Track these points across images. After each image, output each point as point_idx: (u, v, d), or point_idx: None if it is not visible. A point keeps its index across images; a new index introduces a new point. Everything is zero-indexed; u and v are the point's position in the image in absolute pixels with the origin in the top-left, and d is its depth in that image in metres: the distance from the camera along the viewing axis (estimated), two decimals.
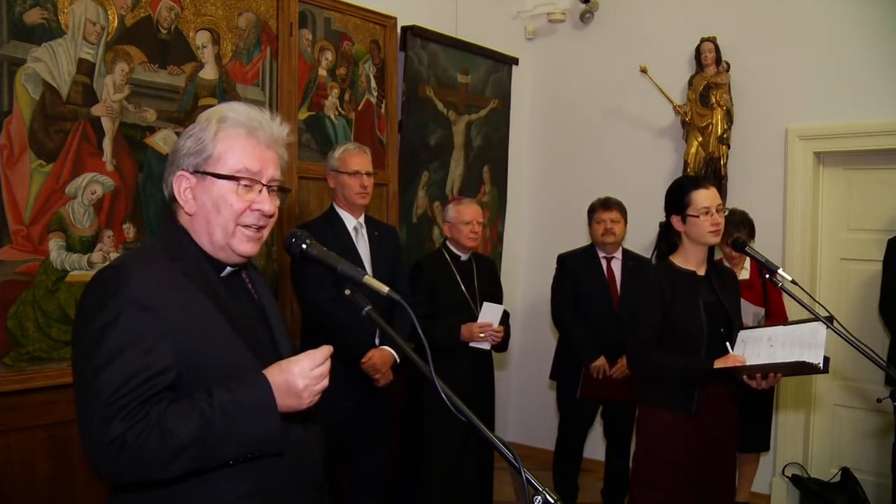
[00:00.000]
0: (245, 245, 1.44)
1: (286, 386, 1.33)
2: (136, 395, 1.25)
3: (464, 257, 3.64)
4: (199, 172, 1.41)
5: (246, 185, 1.41)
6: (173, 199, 1.45)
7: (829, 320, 2.39)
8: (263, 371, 1.34)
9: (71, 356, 1.36)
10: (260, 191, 1.43)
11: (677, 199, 2.63)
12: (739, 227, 3.68)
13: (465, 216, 3.56)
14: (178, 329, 1.32)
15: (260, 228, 1.45)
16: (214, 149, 1.41)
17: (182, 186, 1.43)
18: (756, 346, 2.52)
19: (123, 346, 1.27)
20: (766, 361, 2.44)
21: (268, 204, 1.44)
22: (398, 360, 3.09)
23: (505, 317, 3.60)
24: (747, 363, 2.46)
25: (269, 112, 1.49)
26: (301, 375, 1.34)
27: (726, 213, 2.67)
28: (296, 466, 1.45)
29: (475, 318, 3.53)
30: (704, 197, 2.57)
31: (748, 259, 3.75)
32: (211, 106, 2.98)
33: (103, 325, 1.28)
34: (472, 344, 3.51)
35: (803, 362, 2.34)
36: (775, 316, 3.75)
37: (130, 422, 1.23)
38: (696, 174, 4.22)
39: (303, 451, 1.48)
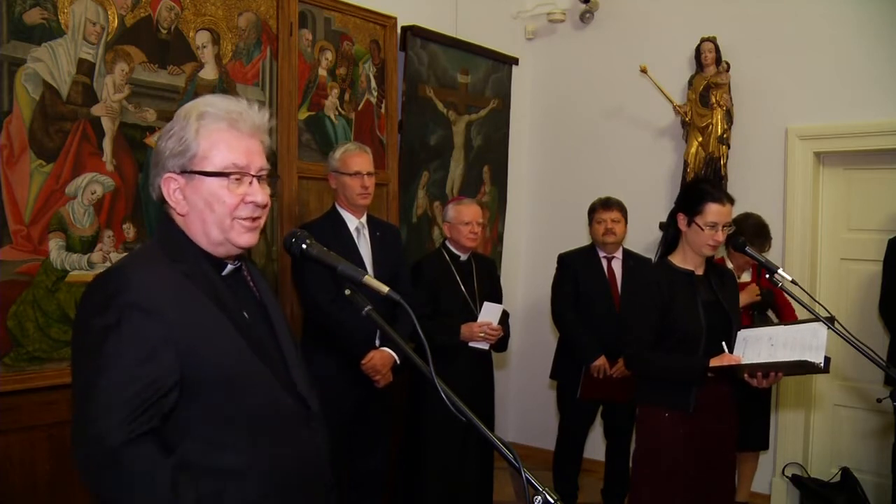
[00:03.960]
0: (244, 237, 1.42)
1: None
2: (138, 401, 1.24)
3: (463, 257, 3.64)
4: (186, 172, 1.39)
5: (236, 179, 1.40)
6: (163, 201, 1.43)
7: (831, 321, 2.39)
8: None
9: (70, 357, 1.35)
10: (250, 182, 1.41)
11: (692, 201, 2.60)
12: (754, 239, 3.60)
13: (464, 216, 3.56)
14: (181, 331, 1.31)
15: (255, 219, 1.43)
16: (199, 147, 1.39)
17: (171, 188, 1.41)
18: (756, 346, 2.52)
19: (125, 350, 1.26)
20: (767, 361, 2.44)
21: (260, 195, 1.42)
22: (398, 362, 3.09)
23: (504, 317, 3.59)
24: (748, 362, 2.47)
25: (246, 100, 1.47)
26: None
27: (730, 228, 2.65)
28: (305, 467, 1.45)
29: (475, 318, 3.53)
30: (716, 212, 2.55)
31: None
32: None
33: (104, 328, 1.27)
34: (471, 344, 3.51)
35: (804, 361, 2.35)
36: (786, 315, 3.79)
37: (132, 432, 1.22)
38: (707, 176, 4.19)
39: (310, 451, 1.47)
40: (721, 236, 2.58)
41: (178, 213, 1.42)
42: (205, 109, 1.41)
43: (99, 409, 1.23)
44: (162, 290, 1.32)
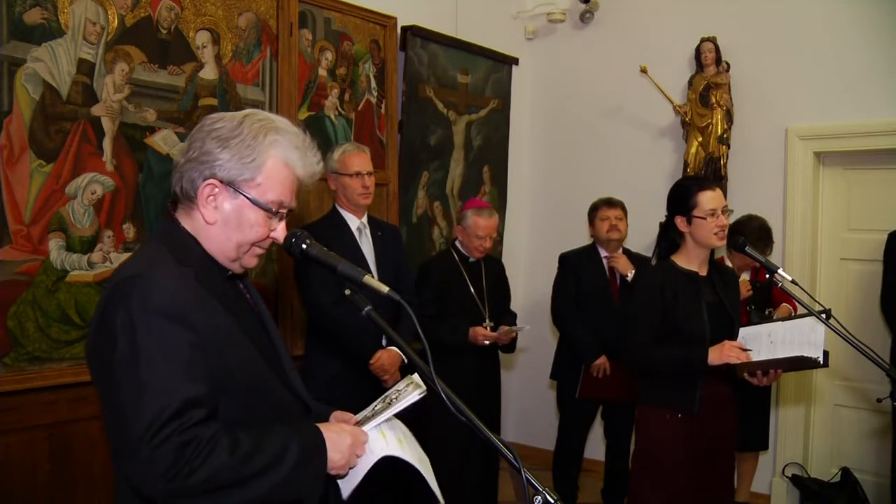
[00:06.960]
0: (253, 261, 1.45)
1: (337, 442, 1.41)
2: (184, 420, 1.21)
3: (472, 258, 3.64)
4: (234, 188, 1.36)
5: (276, 215, 1.41)
6: (187, 197, 1.39)
7: (827, 316, 2.38)
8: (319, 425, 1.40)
9: (93, 374, 1.31)
10: (280, 219, 1.42)
11: (682, 199, 2.60)
12: (757, 242, 3.57)
13: (479, 230, 3.53)
14: (204, 336, 1.28)
15: (265, 247, 1.46)
16: (260, 174, 1.36)
17: (209, 194, 1.37)
18: (756, 344, 2.52)
19: (160, 364, 1.23)
20: (767, 358, 2.44)
21: (283, 233, 1.44)
22: (406, 361, 3.08)
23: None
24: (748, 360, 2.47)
25: (310, 141, 1.45)
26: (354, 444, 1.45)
27: (730, 213, 2.65)
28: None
29: (483, 319, 3.54)
30: (710, 199, 2.55)
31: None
32: (211, 106, 3.02)
33: (134, 340, 1.23)
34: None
35: (803, 357, 2.35)
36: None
37: (184, 443, 1.20)
38: (697, 174, 4.22)
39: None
40: (725, 220, 2.57)
41: (205, 220, 1.38)
42: (276, 137, 1.38)
43: (145, 431, 1.19)
44: (184, 296, 1.28)
